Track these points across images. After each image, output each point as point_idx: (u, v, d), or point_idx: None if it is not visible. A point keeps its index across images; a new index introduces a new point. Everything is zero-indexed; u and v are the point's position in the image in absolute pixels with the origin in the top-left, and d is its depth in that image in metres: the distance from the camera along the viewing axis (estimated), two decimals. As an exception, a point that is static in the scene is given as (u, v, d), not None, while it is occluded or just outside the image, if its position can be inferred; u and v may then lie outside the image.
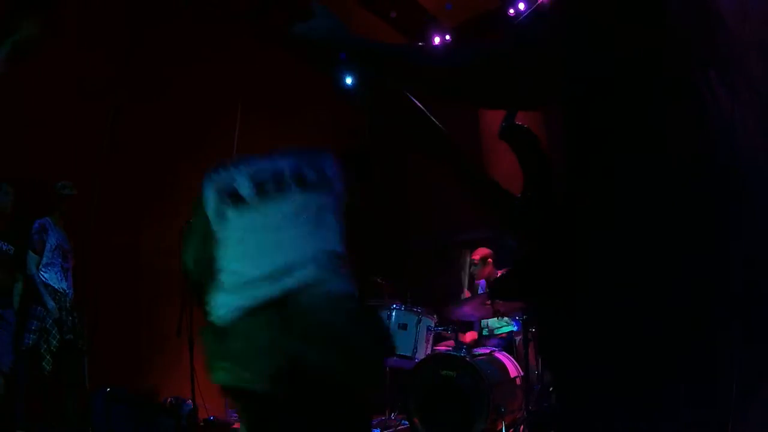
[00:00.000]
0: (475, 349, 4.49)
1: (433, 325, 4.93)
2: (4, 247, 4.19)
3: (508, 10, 6.30)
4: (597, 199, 1.11)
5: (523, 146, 1.21)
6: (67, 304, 4.40)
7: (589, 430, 1.08)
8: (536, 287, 1.15)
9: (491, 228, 5.80)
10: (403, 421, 4.69)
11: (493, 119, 6.02)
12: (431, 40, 6.77)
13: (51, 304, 4.23)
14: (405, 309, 4.89)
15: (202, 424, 5.06)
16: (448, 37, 6.76)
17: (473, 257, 5.50)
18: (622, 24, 1.11)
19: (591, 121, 1.13)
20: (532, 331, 4.52)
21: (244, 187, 1.89)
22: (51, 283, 4.33)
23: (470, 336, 5.30)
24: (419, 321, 4.81)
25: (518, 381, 4.42)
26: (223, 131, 6.40)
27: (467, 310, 4.78)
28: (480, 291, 5.41)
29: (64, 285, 4.43)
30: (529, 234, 1.17)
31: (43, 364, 4.16)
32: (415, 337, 4.74)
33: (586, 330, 1.07)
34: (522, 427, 4.09)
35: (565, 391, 1.11)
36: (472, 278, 5.63)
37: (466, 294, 5.71)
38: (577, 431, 1.09)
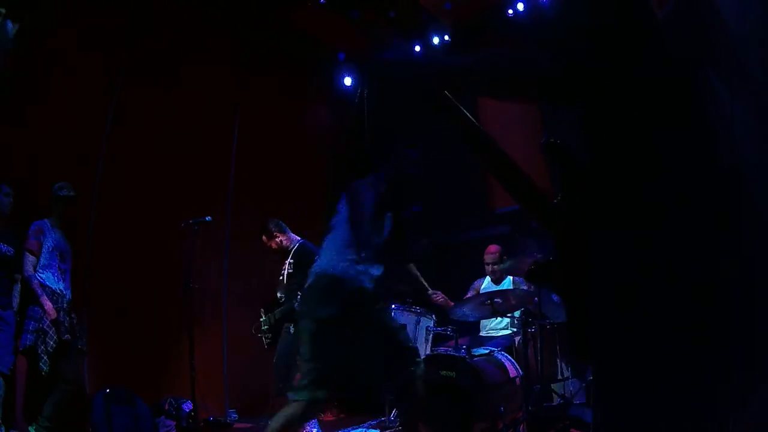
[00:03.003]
0: (475, 349, 4.49)
1: (432, 325, 4.92)
2: (4, 249, 4.18)
3: (506, 10, 6.31)
4: (599, 200, 1.12)
5: (560, 159, 1.31)
6: (65, 305, 4.39)
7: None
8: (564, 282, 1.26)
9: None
10: (403, 421, 4.68)
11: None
12: (431, 39, 6.78)
13: (48, 305, 4.23)
14: (404, 309, 4.89)
15: (202, 424, 5.06)
16: (447, 36, 6.76)
17: (491, 254, 5.39)
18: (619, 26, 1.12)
19: (594, 123, 1.14)
20: (531, 331, 4.52)
21: None
22: (48, 284, 4.32)
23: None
24: (418, 321, 4.81)
25: (518, 381, 4.42)
26: (222, 132, 6.40)
27: (467, 310, 4.78)
28: (469, 292, 5.40)
29: (61, 286, 4.42)
30: (562, 233, 1.24)
31: (41, 364, 4.14)
32: (414, 337, 4.74)
33: (599, 328, 1.10)
34: (522, 427, 4.09)
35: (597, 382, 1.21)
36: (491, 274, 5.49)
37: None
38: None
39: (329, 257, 2.99)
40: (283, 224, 5.03)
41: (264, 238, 5.00)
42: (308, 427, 4.54)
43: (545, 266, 1.34)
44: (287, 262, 4.90)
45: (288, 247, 4.94)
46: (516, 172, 1.32)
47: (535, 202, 1.30)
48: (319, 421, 4.71)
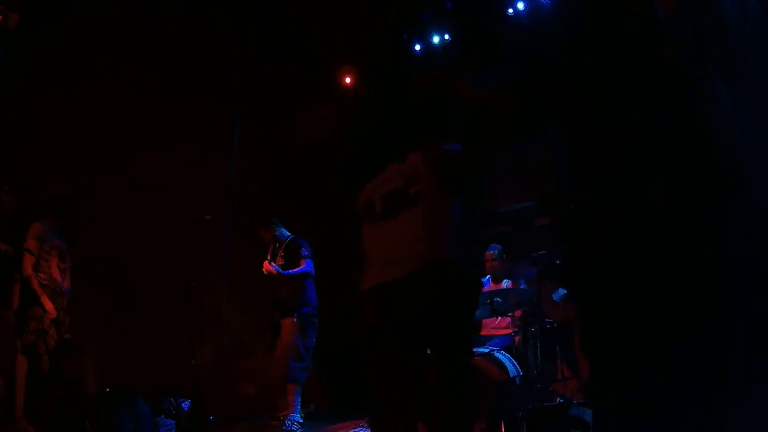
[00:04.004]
0: (474, 349, 4.49)
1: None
2: (4, 248, 4.19)
3: (507, 10, 6.30)
4: (600, 200, 1.13)
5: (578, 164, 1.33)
6: (65, 304, 4.39)
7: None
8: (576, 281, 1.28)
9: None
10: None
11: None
12: (431, 38, 6.77)
13: (48, 304, 4.23)
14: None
15: (202, 424, 5.06)
16: (447, 36, 6.75)
17: (490, 257, 5.41)
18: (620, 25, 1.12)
19: (594, 122, 1.14)
20: (531, 330, 4.52)
21: None
22: (48, 284, 4.32)
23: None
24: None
25: (518, 380, 4.42)
26: (223, 133, 6.40)
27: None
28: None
29: (61, 285, 4.42)
30: (570, 234, 1.26)
31: (41, 364, 4.15)
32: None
33: (606, 328, 1.11)
34: (522, 426, 4.09)
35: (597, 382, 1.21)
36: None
37: None
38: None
39: None
40: (279, 221, 5.38)
41: (261, 229, 5.34)
42: (292, 417, 4.88)
43: (559, 266, 1.37)
44: (278, 255, 5.21)
45: (282, 240, 5.29)
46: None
47: (558, 210, 1.33)
48: (309, 414, 4.95)
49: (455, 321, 2.19)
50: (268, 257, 5.19)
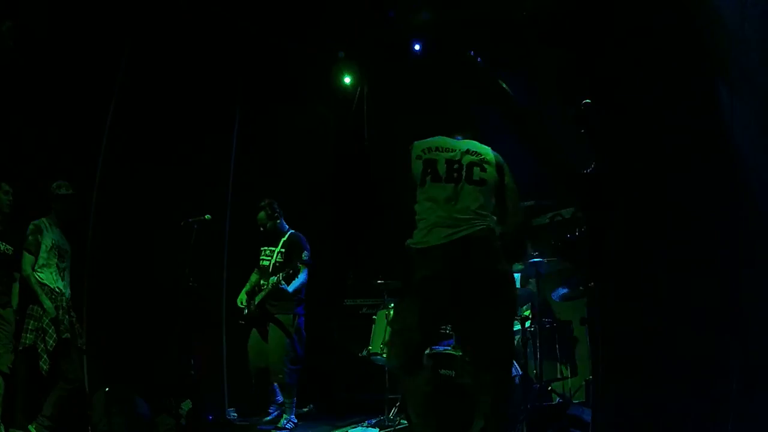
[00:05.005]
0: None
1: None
2: (3, 247, 4.18)
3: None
4: (602, 197, 1.13)
5: (595, 127, 1.32)
6: (64, 304, 4.38)
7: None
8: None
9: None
10: (402, 420, 4.69)
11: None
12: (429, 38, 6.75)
13: (47, 303, 4.23)
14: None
15: (202, 424, 5.06)
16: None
17: None
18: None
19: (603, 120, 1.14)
20: (530, 330, 4.52)
21: None
22: (47, 283, 4.32)
23: None
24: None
25: (517, 380, 4.42)
26: (222, 131, 6.39)
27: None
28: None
29: (60, 284, 4.41)
30: (590, 205, 1.26)
31: (41, 363, 4.15)
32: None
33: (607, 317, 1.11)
34: (522, 426, 4.09)
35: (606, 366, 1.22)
36: None
37: None
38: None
39: None
40: (282, 212, 5.36)
41: (263, 216, 5.29)
42: (289, 417, 4.89)
43: (572, 242, 1.37)
44: (276, 250, 5.16)
45: (281, 231, 5.27)
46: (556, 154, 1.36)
47: (565, 174, 1.33)
48: (308, 414, 4.97)
49: (499, 285, 2.47)
50: (269, 259, 5.15)
